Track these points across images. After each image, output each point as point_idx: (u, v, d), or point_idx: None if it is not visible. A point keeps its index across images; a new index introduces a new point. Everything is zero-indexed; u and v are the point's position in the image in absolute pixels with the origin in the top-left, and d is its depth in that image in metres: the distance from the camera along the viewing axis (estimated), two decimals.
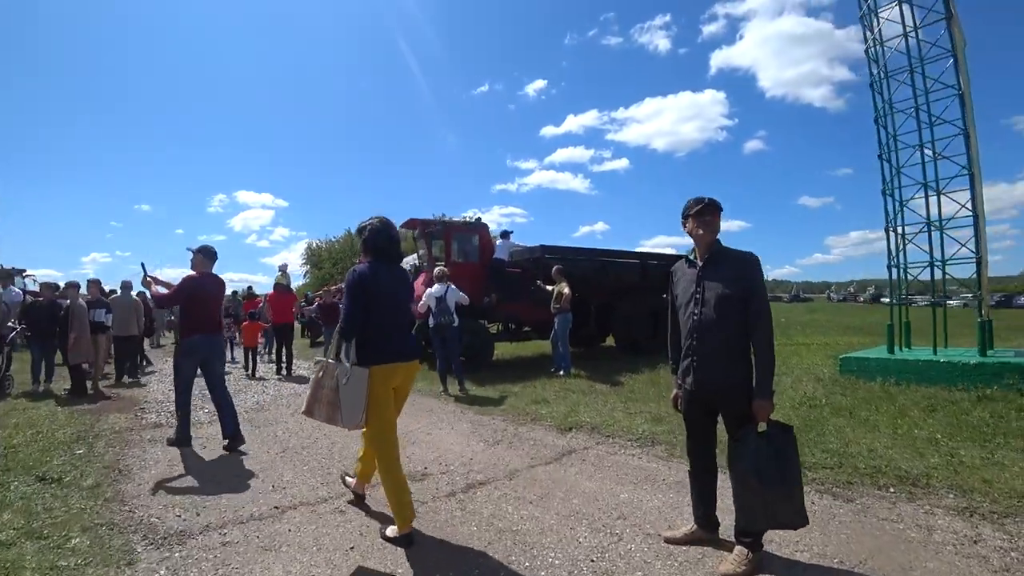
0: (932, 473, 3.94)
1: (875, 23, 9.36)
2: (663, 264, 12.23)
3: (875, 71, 9.25)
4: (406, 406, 6.63)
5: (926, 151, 8.62)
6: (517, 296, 10.21)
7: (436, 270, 7.93)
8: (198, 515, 3.36)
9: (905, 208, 8.81)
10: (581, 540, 3.01)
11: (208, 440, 5.22)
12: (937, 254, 8.38)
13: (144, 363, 11.16)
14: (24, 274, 19.49)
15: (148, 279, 5.21)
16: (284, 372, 10.33)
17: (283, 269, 11.86)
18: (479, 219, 10.48)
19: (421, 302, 7.72)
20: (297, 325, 15.92)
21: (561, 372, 8.91)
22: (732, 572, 2.65)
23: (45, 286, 9.32)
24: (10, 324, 8.35)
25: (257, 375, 10.30)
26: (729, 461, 2.74)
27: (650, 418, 5.73)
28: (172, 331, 19.87)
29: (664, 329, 10.59)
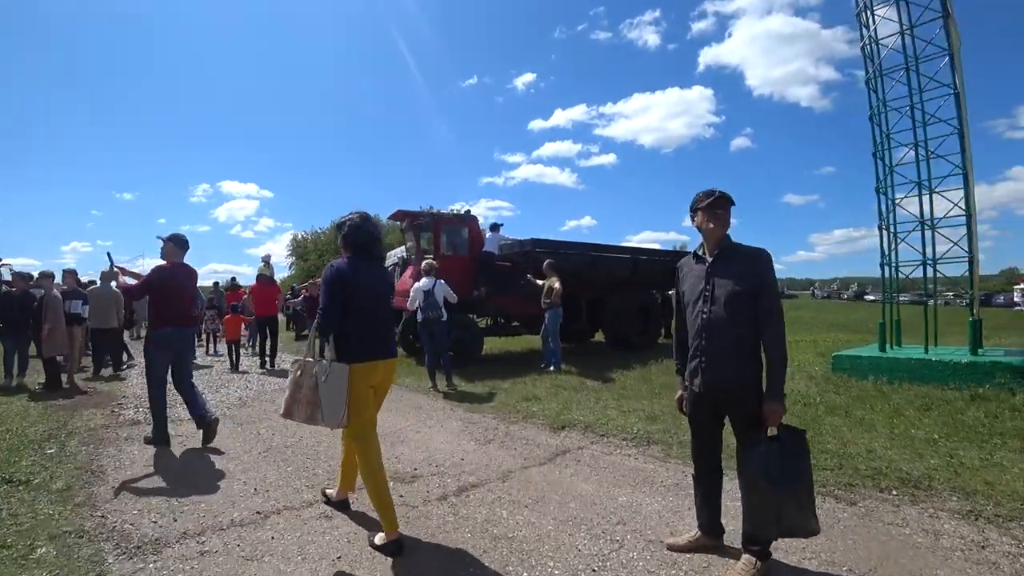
0: (933, 475, 3.87)
1: (871, 20, 9.30)
2: (654, 259, 12.16)
3: (870, 69, 9.19)
4: (393, 403, 6.59)
5: (919, 150, 8.62)
6: (506, 290, 10.06)
7: (424, 263, 7.74)
8: (175, 521, 3.17)
9: (897, 207, 8.80)
10: (580, 548, 2.88)
11: (188, 438, 5.01)
12: (928, 252, 8.40)
13: (127, 356, 10.87)
14: (0, 263, 18.93)
15: (115, 270, 4.97)
16: (268, 366, 10.10)
17: (266, 260, 11.59)
18: (468, 211, 10.29)
19: (410, 296, 7.56)
20: (282, 318, 15.65)
21: (551, 368, 8.78)
22: None
23: (17, 276, 8.96)
24: None
25: (240, 369, 10.07)
26: (738, 466, 2.62)
27: (644, 417, 5.62)
28: None
29: (654, 325, 10.49)
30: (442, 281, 7.48)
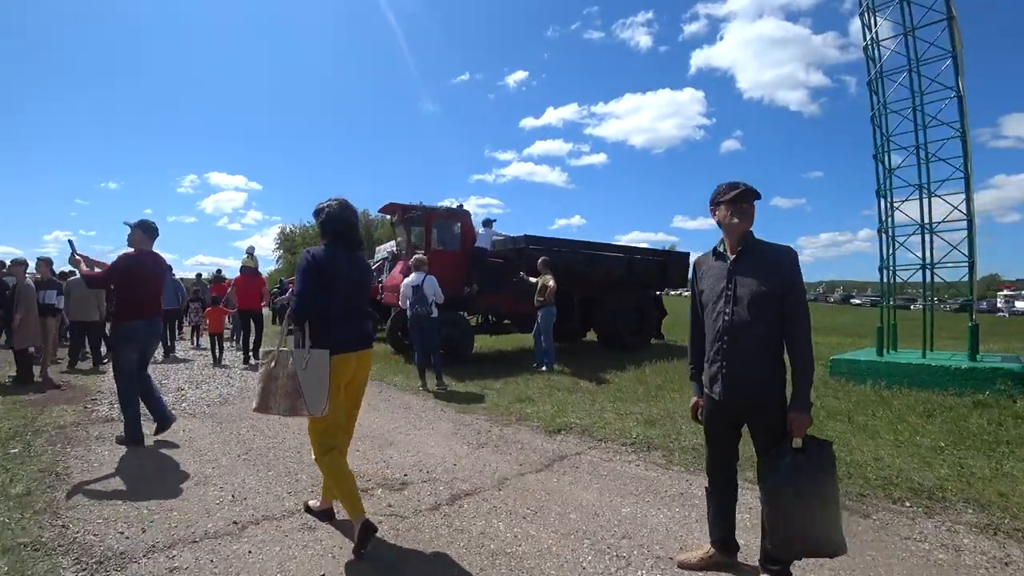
0: (945, 485, 3.73)
1: (873, 22, 9.19)
2: (649, 259, 12.01)
3: (872, 70, 9.08)
4: (381, 402, 6.34)
5: (920, 153, 8.54)
6: (498, 287, 9.83)
7: (414, 258, 7.49)
8: (143, 532, 2.91)
9: (898, 211, 8.71)
10: (585, 565, 2.67)
11: (163, 438, 4.72)
12: (927, 257, 8.32)
13: (107, 349, 10.51)
14: None
15: (76, 257, 4.66)
16: (252, 361, 9.80)
17: (250, 252, 11.24)
18: (461, 206, 10.03)
19: (401, 292, 7.33)
20: (268, 312, 15.30)
21: (544, 368, 8.59)
22: None
23: None
24: None
25: (222, 363, 9.76)
26: (760, 479, 2.43)
27: (642, 420, 5.43)
28: None
29: (648, 325, 10.27)
30: (432, 276, 7.23)
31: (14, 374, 7.42)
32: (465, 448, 4.56)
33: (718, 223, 2.60)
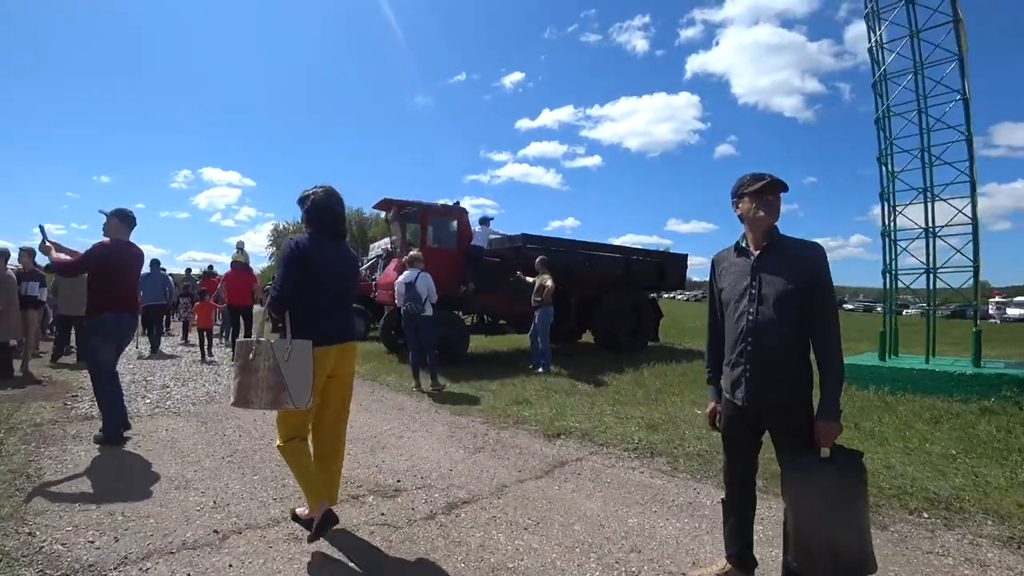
0: (961, 495, 3.58)
1: (877, 24, 9.08)
2: (647, 259, 11.86)
3: (877, 72, 8.97)
4: (374, 403, 6.13)
5: (924, 156, 8.44)
6: (495, 287, 9.64)
7: (409, 254, 7.29)
8: (116, 541, 2.69)
9: (900, 215, 8.60)
10: None
11: (144, 438, 4.50)
12: (930, 261, 8.23)
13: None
14: None
15: (47, 244, 4.41)
16: None
17: (240, 246, 11.01)
18: (458, 203, 9.83)
19: (395, 289, 7.14)
20: (259, 308, 15.05)
21: (540, 369, 8.41)
22: None
23: None
24: None
25: (209, 359, 9.52)
26: (785, 490, 2.25)
27: (644, 425, 5.25)
28: None
29: (645, 327, 10.07)
30: (426, 274, 7.02)
31: None
32: (461, 452, 4.36)
33: (740, 217, 2.43)
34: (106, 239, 4.40)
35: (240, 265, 10.25)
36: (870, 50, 9.12)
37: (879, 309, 8.80)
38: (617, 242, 12.57)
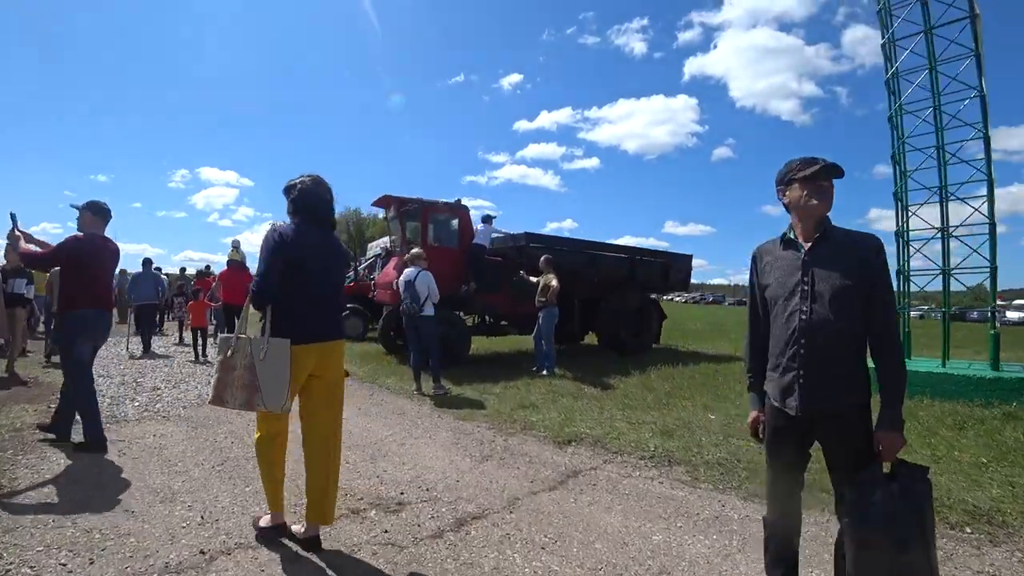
0: (1002, 507, 3.37)
1: (890, 21, 8.88)
2: (652, 260, 11.62)
3: (890, 70, 8.77)
4: (373, 406, 5.86)
5: (939, 154, 8.25)
6: (497, 286, 9.38)
7: (411, 252, 7.02)
8: (91, 563, 2.41)
9: (914, 216, 8.40)
10: None
11: (130, 445, 4.23)
12: (941, 262, 8.03)
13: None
14: None
15: (16, 232, 4.13)
16: None
17: (236, 245, 10.74)
18: (459, 200, 9.57)
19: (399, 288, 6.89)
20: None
21: (544, 372, 8.15)
22: None
23: None
24: None
25: (203, 359, 9.25)
26: (843, 513, 2.01)
27: (657, 431, 5.01)
28: (116, 305, 18.33)
29: (649, 328, 9.74)
30: (427, 272, 6.75)
31: None
32: (468, 461, 4.10)
33: (787, 206, 2.19)
34: (79, 233, 4.14)
35: (236, 264, 9.99)
36: (883, 46, 8.92)
37: None
38: (618, 243, 12.32)
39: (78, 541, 2.60)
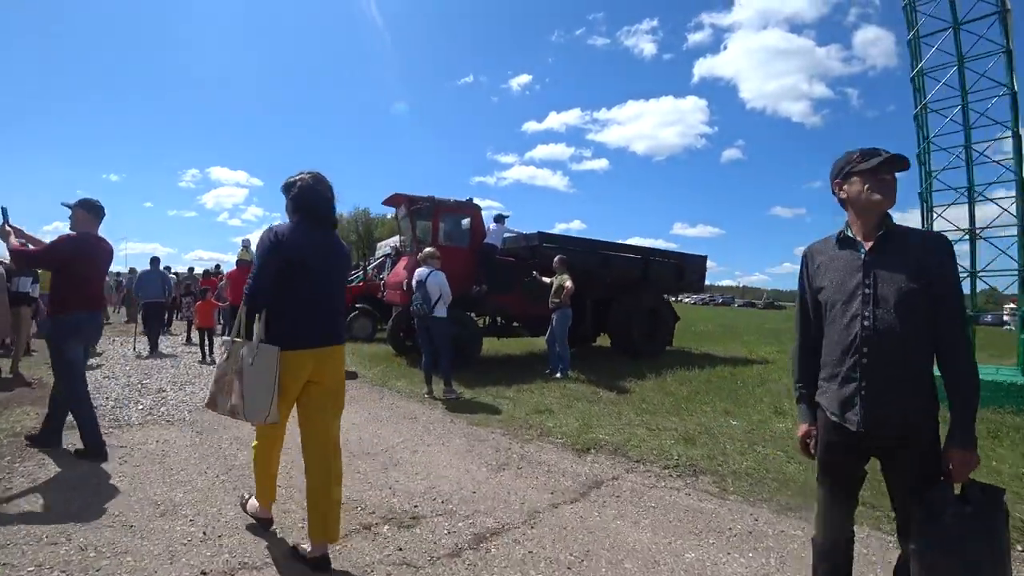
0: None
1: (915, 17, 8.63)
2: (666, 260, 11.38)
3: (916, 67, 8.52)
4: (383, 410, 5.67)
5: (963, 154, 8.01)
6: (508, 287, 9.19)
7: (425, 251, 6.83)
8: None
9: (939, 217, 8.15)
10: None
11: (132, 451, 4.06)
12: (969, 264, 7.79)
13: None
14: None
15: (6, 228, 3.94)
16: None
17: (246, 244, 10.63)
18: (471, 199, 9.38)
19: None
20: None
21: (558, 374, 7.95)
22: None
23: None
24: None
25: (210, 360, 9.11)
26: (910, 539, 1.81)
27: (679, 438, 4.80)
28: (124, 304, 18.30)
29: (663, 331, 9.47)
30: (440, 272, 6.55)
31: None
32: (484, 470, 3.90)
33: (844, 201, 2.00)
34: (72, 232, 4.00)
35: (245, 263, 9.85)
36: (909, 43, 8.68)
37: None
38: (631, 243, 12.08)
39: (72, 560, 2.43)
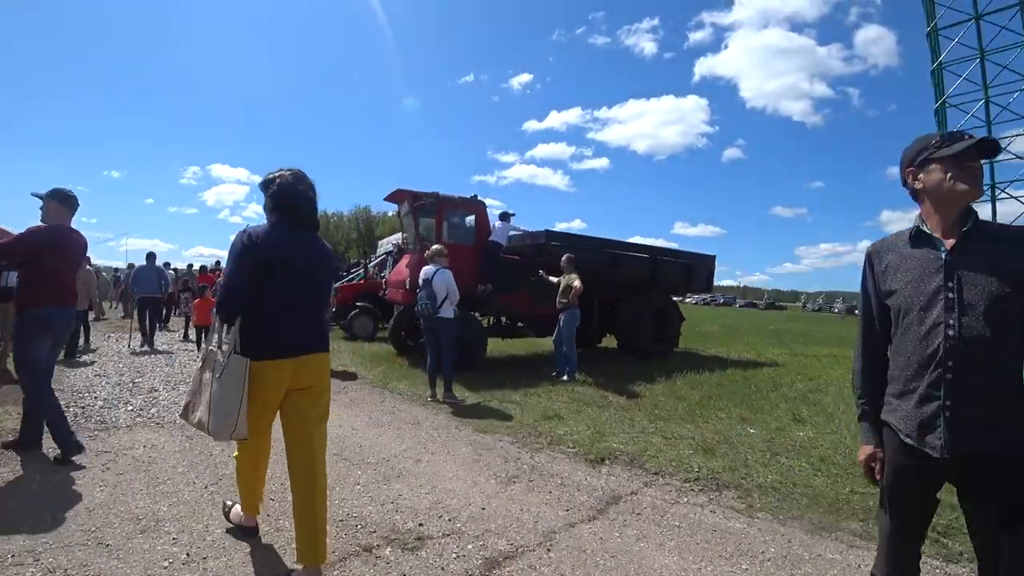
0: None
1: (934, 10, 8.40)
2: (674, 260, 11.13)
3: (935, 61, 8.27)
4: (384, 415, 5.41)
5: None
6: (514, 286, 8.93)
7: (432, 248, 6.57)
8: None
9: None
10: None
11: (116, 457, 3.80)
12: None
13: (86, 340, 9.71)
14: None
15: None
16: None
17: None
18: (476, 196, 9.11)
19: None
20: None
21: (565, 377, 7.69)
22: None
23: None
24: None
25: None
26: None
27: (698, 448, 4.54)
28: (121, 301, 18.08)
29: (671, 331, 9.15)
30: (447, 271, 6.29)
31: None
32: (493, 483, 3.64)
33: (919, 192, 1.74)
34: (43, 224, 3.76)
35: None
36: (928, 36, 8.44)
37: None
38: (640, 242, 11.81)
39: None
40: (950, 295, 1.60)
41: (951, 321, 1.58)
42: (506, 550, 2.69)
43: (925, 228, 1.72)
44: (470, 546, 2.71)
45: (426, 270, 6.31)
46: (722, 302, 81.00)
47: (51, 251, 3.67)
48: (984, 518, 1.63)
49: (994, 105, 7.93)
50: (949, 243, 1.65)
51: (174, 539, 2.62)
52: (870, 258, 1.86)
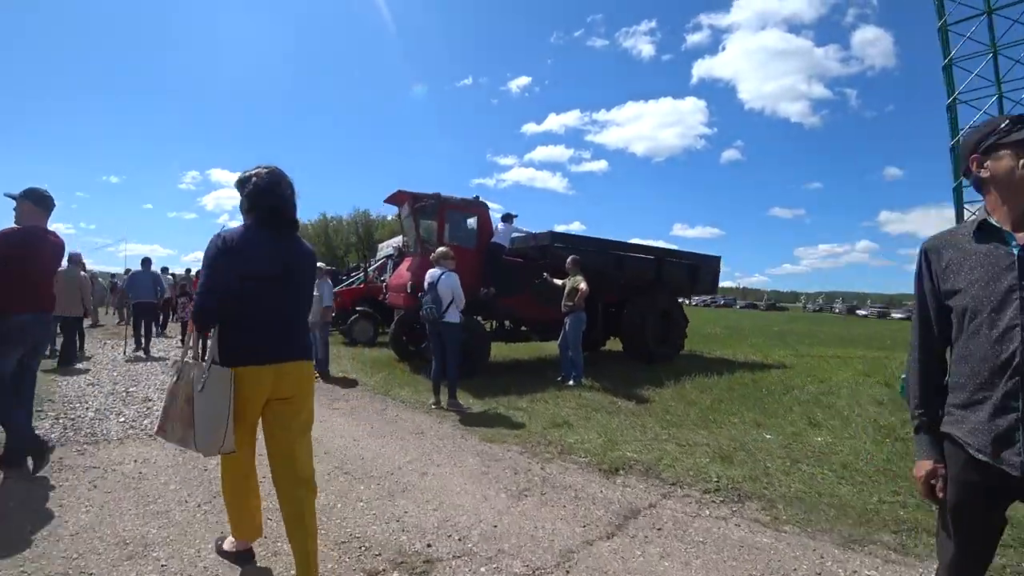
0: None
1: (944, 5, 8.23)
2: (680, 261, 10.95)
3: (947, 57, 8.11)
4: (387, 424, 5.22)
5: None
6: (517, 289, 8.74)
7: (438, 250, 6.38)
8: None
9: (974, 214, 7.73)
10: None
11: (105, 473, 3.60)
12: None
13: (81, 347, 9.53)
14: None
15: None
16: None
17: None
18: (478, 197, 8.94)
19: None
20: None
21: (571, 382, 7.50)
22: None
23: None
24: None
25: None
26: None
27: (714, 455, 4.36)
28: (118, 307, 17.85)
29: (676, 334, 8.94)
30: (453, 274, 6.10)
31: None
32: (503, 497, 3.44)
33: (985, 182, 1.57)
34: (16, 226, 3.59)
35: None
36: (939, 31, 8.26)
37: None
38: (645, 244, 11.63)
39: None
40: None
41: None
42: (521, 572, 2.50)
43: (992, 220, 1.54)
44: (483, 569, 2.52)
45: (432, 273, 6.13)
46: (723, 303, 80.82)
47: (21, 254, 3.50)
48: None
49: (1007, 100, 7.75)
50: (1021, 237, 1.47)
51: (163, 566, 2.43)
52: (927, 254, 1.68)
